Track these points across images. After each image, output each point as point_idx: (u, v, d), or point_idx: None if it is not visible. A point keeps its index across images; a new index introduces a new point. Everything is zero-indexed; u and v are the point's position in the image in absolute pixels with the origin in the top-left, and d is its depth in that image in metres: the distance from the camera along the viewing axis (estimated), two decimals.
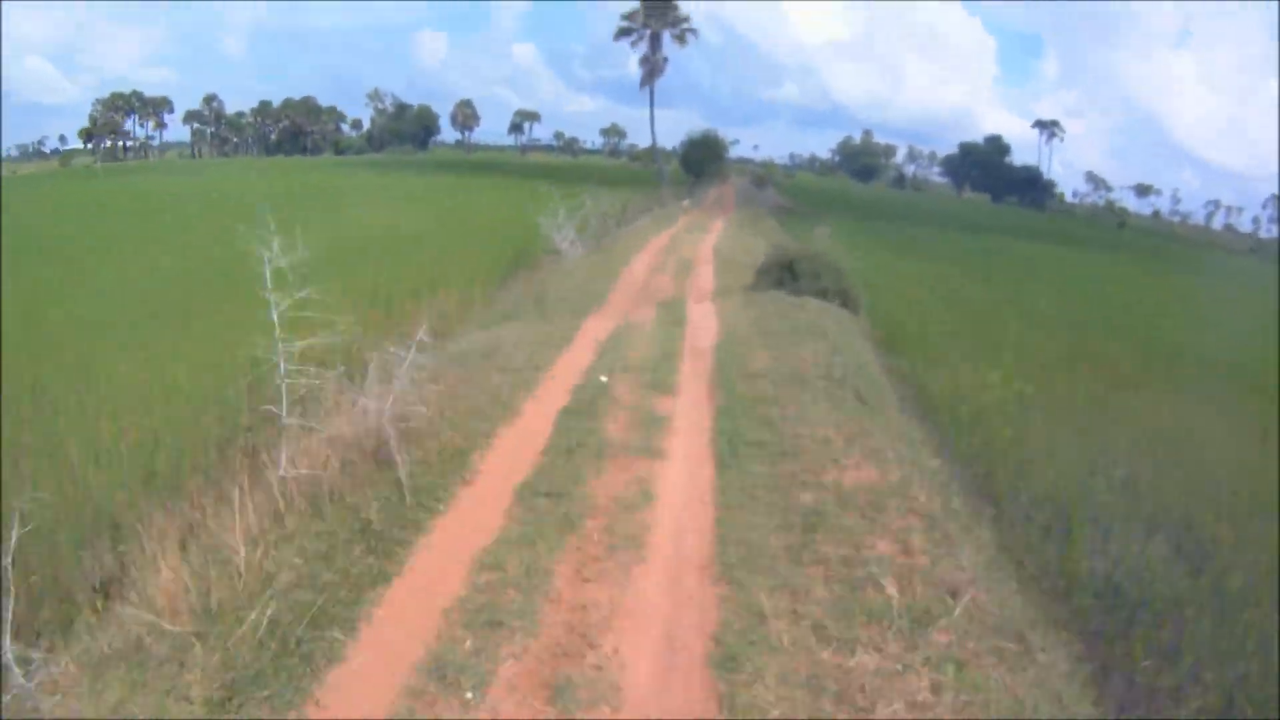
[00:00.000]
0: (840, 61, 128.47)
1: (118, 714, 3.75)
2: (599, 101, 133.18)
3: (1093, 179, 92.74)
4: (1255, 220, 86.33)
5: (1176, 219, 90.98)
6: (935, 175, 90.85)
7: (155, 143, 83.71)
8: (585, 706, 3.89)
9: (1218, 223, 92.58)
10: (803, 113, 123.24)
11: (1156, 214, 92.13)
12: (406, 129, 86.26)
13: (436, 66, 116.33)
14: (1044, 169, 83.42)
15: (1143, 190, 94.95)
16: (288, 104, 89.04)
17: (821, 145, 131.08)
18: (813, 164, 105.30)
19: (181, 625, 4.29)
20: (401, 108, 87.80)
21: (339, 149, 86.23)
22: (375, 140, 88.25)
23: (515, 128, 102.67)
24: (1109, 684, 4.58)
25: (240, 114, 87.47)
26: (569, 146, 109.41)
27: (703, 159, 58.68)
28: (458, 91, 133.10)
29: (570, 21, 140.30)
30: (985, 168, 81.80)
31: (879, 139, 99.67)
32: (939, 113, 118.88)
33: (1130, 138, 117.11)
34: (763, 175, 69.32)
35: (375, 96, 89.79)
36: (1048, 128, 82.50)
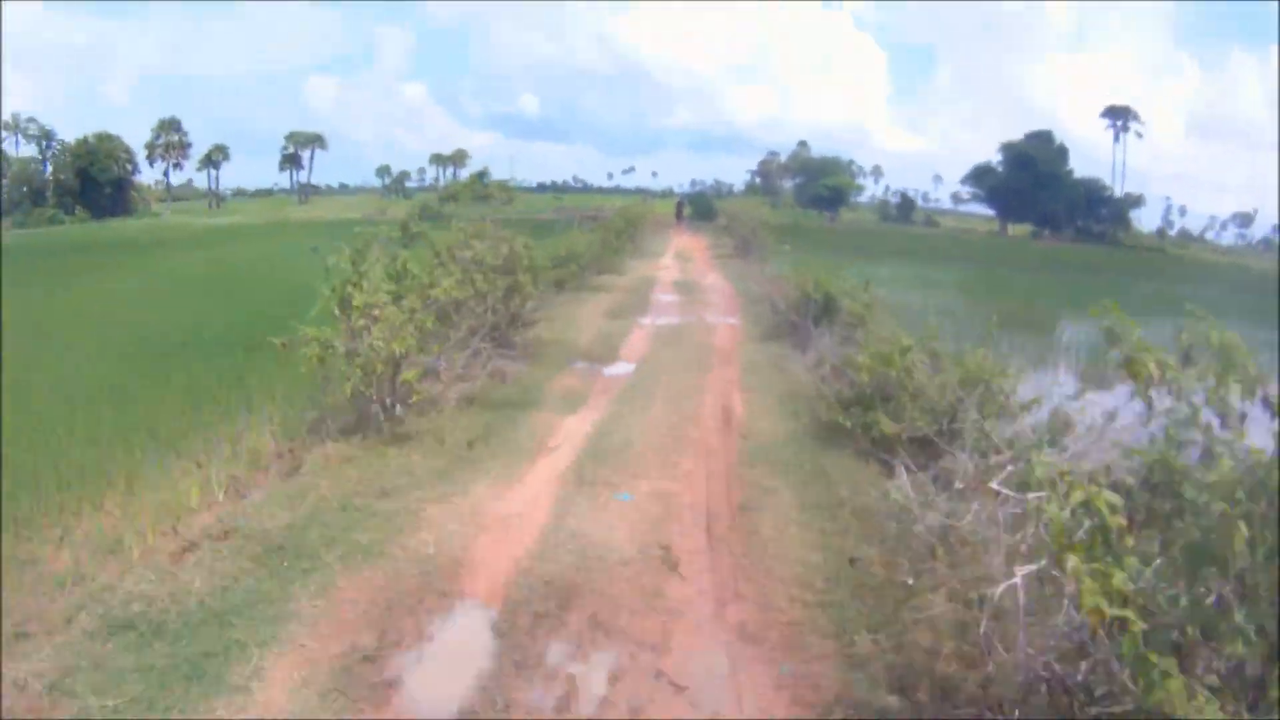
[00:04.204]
0: (733, 85, 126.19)
1: None
2: (490, 137, 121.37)
3: None
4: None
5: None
6: (946, 200, 60.62)
7: None
8: None
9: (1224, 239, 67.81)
10: (698, 138, 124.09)
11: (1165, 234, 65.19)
12: (55, 184, 47.90)
13: (329, 110, 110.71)
14: (1114, 183, 54.03)
15: (1131, 202, 68.02)
16: None
17: (720, 171, 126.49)
18: (720, 190, 76.48)
19: None
20: (60, 148, 49.13)
21: None
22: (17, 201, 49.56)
23: (289, 160, 65.50)
24: None
25: None
26: (398, 184, 73.70)
27: None
28: (352, 136, 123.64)
29: (457, 58, 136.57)
30: (1032, 185, 51.56)
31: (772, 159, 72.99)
32: (833, 131, 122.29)
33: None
34: None
35: (13, 126, 50.76)
36: (1119, 117, 53.16)
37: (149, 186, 60.15)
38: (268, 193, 72.71)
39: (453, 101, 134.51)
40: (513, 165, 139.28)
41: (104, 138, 49.89)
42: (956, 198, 61.67)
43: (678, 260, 25.45)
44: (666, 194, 74.47)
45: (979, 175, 52.39)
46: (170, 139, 51.25)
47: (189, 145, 52.04)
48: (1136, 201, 53.55)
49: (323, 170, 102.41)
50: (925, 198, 62.47)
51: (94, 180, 47.66)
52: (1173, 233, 68.26)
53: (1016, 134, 52.40)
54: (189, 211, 55.94)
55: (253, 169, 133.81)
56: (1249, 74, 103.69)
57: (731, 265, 23.45)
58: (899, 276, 20.79)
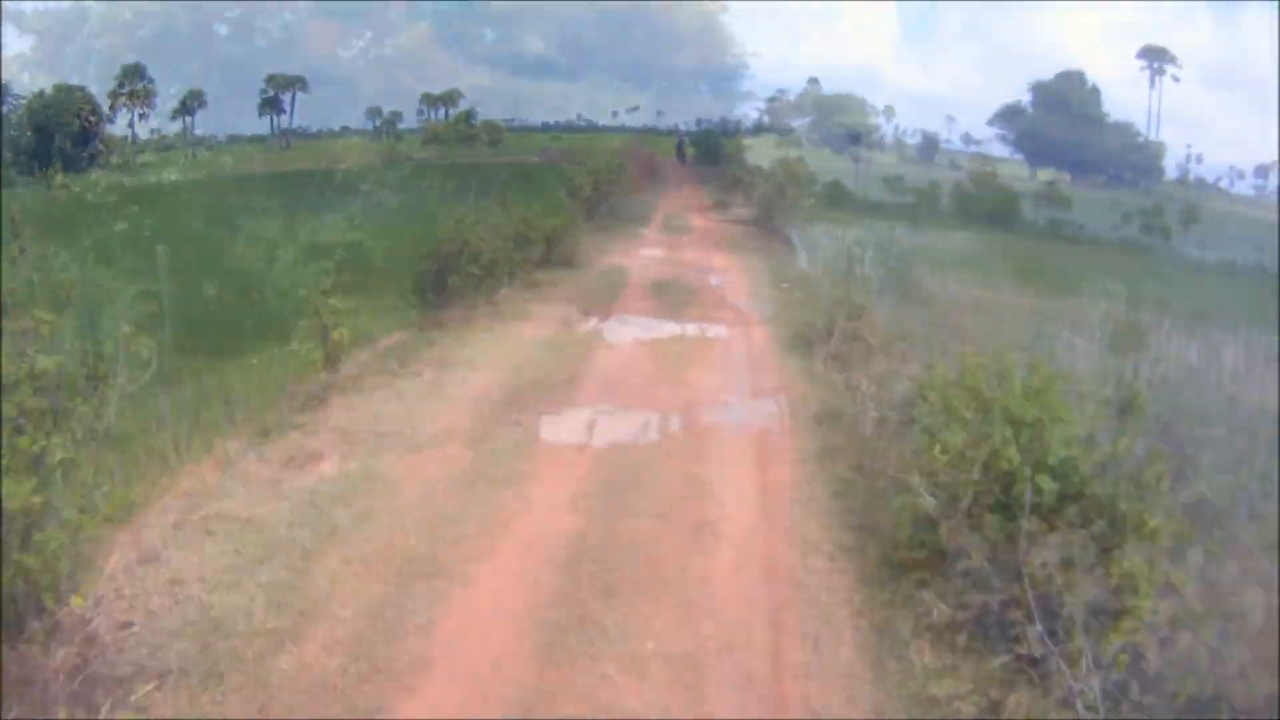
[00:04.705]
0: (740, 21, 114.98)
1: None
2: (494, 76, 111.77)
3: None
4: None
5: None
6: (958, 142, 57.00)
7: None
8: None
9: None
10: (706, 76, 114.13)
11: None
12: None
13: (330, 55, 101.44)
14: (1147, 127, 50.19)
15: (1156, 148, 64.07)
16: None
17: (728, 109, 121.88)
18: (727, 128, 72.12)
19: None
20: (16, 103, 45.22)
21: None
22: None
23: (268, 104, 61.51)
24: None
25: None
26: (389, 125, 69.56)
27: None
28: (354, 79, 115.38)
29: None
30: (1064, 127, 48.05)
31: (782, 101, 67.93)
32: (842, 71, 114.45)
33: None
34: None
35: None
36: (1155, 58, 48.99)
37: (123, 139, 56.45)
38: (260, 139, 69.07)
39: (456, 41, 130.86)
40: (516, 105, 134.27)
41: (63, 89, 45.91)
42: (968, 139, 57.95)
43: (668, 233, 19.84)
44: (671, 132, 70.32)
45: (1007, 116, 48.54)
46: (134, 87, 47.31)
47: (154, 94, 48.03)
48: (1159, 148, 49.96)
49: (326, 114, 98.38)
50: (937, 138, 58.92)
51: (54, 136, 44.04)
52: (1191, 179, 65.20)
53: (1028, 77, 48.48)
54: (167, 164, 52.42)
55: (253, 115, 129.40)
56: (1261, 26, 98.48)
57: (753, 249, 17.79)
58: (970, 256, 17.40)
